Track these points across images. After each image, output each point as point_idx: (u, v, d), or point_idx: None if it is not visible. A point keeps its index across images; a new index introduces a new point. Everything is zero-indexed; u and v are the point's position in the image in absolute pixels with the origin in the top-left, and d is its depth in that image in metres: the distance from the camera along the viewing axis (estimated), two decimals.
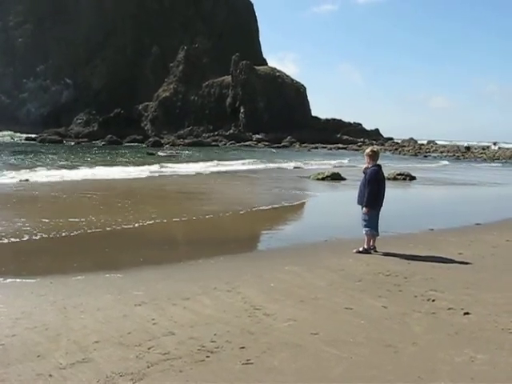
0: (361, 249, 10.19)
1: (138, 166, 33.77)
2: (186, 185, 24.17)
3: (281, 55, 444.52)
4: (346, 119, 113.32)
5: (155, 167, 32.42)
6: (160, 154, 54.50)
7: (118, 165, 34.78)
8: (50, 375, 4.68)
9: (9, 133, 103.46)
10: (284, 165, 40.75)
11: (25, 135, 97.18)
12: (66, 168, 30.19)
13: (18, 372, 4.74)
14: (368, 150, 10.62)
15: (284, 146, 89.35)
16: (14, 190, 19.61)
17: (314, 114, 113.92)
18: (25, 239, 10.89)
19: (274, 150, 76.87)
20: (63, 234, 11.51)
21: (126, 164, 36.36)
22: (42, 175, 25.43)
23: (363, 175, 10.45)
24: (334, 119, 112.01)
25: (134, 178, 26.53)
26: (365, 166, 10.63)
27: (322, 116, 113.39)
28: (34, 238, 11.07)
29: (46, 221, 12.77)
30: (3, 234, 11.22)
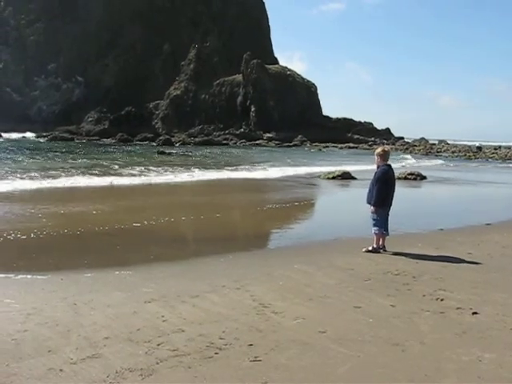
0: (370, 248, 10.20)
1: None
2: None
3: (288, 54, 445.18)
4: (356, 118, 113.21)
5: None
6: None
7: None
8: (61, 370, 4.74)
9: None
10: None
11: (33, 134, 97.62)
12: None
13: (30, 366, 4.80)
14: (379, 150, 10.63)
15: (295, 145, 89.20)
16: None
17: (324, 113, 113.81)
18: (39, 236, 11.02)
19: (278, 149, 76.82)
20: (75, 232, 11.61)
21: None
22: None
23: (373, 174, 10.47)
24: (345, 118, 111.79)
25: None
26: (375, 165, 10.64)
27: (332, 115, 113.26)
28: (47, 234, 11.20)
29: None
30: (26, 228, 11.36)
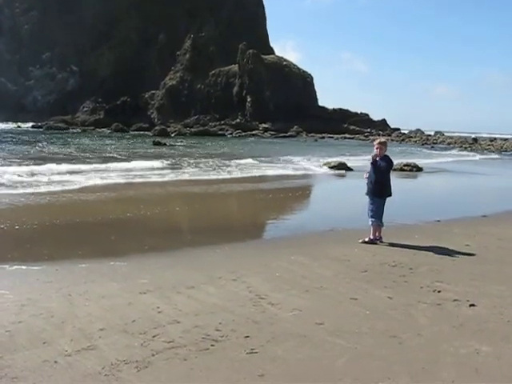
0: (367, 239, 10.17)
1: None
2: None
3: (281, 43, 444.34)
4: (352, 109, 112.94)
5: None
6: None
7: None
8: (56, 362, 4.70)
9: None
10: None
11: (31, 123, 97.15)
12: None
13: (24, 358, 4.76)
14: (377, 141, 10.62)
15: (291, 136, 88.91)
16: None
17: (320, 103, 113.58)
18: (32, 227, 10.95)
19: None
20: (71, 222, 11.56)
21: None
22: None
23: (371, 166, 10.42)
24: (341, 109, 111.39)
25: None
26: (373, 156, 10.60)
27: (328, 106, 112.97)
28: (42, 225, 11.13)
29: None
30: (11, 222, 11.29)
